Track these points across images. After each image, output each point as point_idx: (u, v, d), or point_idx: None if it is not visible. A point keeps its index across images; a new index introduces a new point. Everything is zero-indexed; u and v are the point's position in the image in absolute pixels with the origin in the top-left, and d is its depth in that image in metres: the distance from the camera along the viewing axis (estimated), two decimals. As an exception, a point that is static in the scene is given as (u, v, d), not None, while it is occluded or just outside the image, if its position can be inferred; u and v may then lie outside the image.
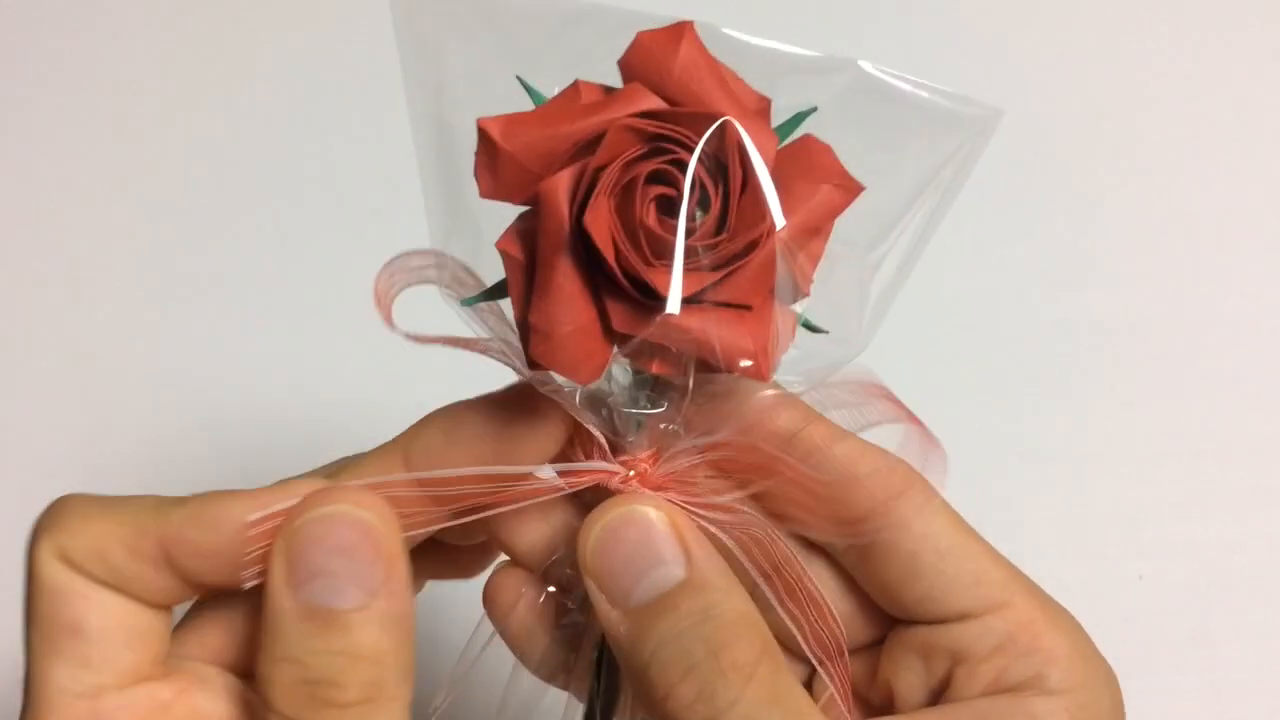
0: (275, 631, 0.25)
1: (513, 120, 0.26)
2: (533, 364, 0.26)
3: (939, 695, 0.30)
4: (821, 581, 0.30)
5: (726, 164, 0.25)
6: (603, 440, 0.28)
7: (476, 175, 0.26)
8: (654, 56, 0.26)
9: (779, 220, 0.25)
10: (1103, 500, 0.49)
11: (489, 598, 0.31)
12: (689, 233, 0.25)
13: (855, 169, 0.27)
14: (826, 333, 0.28)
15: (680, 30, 0.26)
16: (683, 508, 0.28)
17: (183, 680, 0.27)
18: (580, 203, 0.25)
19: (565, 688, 0.31)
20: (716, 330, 0.25)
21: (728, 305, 0.26)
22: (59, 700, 0.26)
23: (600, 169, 0.25)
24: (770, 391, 0.29)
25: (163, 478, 0.46)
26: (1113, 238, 0.54)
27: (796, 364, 0.28)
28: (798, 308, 0.27)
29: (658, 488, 0.28)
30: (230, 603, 0.28)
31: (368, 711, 0.25)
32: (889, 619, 0.31)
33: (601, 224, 0.25)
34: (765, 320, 0.26)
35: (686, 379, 0.26)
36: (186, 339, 0.50)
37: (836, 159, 0.26)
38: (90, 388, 0.49)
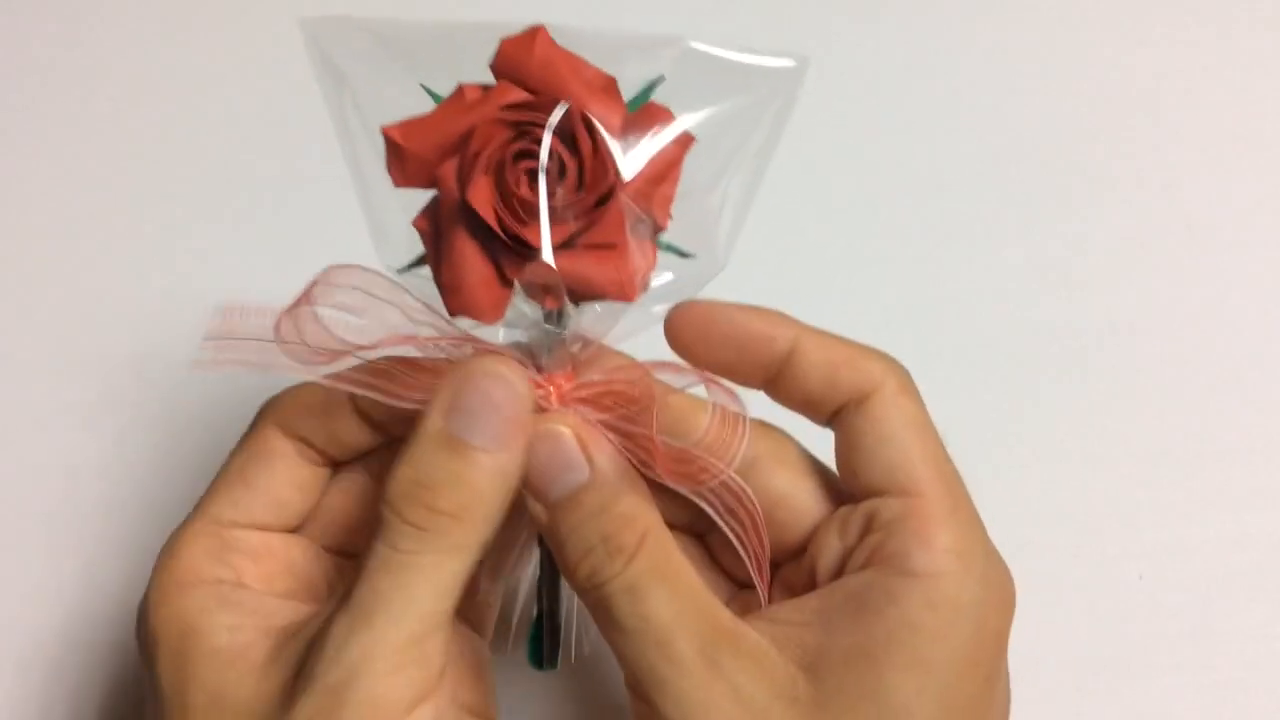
0: (417, 440, 0.32)
1: (409, 124, 0.33)
2: (451, 313, 0.33)
3: (841, 572, 0.33)
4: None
5: (575, 135, 0.32)
6: (528, 364, 0.34)
7: (388, 171, 0.33)
8: (515, 57, 0.32)
9: (624, 174, 0.32)
10: (1103, 500, 0.48)
11: None
12: (553, 194, 0.32)
13: (691, 123, 0.33)
14: (694, 256, 0.34)
15: (533, 33, 0.32)
16: (590, 422, 0.34)
17: (292, 540, 0.36)
18: (465, 182, 0.32)
19: None
20: (586, 268, 0.32)
21: (595, 246, 0.32)
22: (199, 518, 0.34)
23: (477, 154, 0.32)
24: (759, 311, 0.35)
25: (160, 475, 0.50)
26: (1112, 237, 0.54)
27: (672, 286, 0.35)
28: (662, 240, 0.34)
29: (570, 403, 0.34)
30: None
31: (450, 525, 0.31)
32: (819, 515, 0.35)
33: (482, 197, 0.31)
34: (626, 255, 0.33)
35: (569, 306, 0.33)
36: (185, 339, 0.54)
37: (671, 117, 0.33)
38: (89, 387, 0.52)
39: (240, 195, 0.56)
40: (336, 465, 0.37)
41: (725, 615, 0.32)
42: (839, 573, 0.34)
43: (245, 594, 0.34)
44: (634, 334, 0.35)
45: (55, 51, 0.58)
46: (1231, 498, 0.49)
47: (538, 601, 0.37)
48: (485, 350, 0.33)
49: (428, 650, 0.31)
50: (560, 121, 0.32)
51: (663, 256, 0.34)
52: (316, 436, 0.35)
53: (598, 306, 0.34)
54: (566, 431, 0.33)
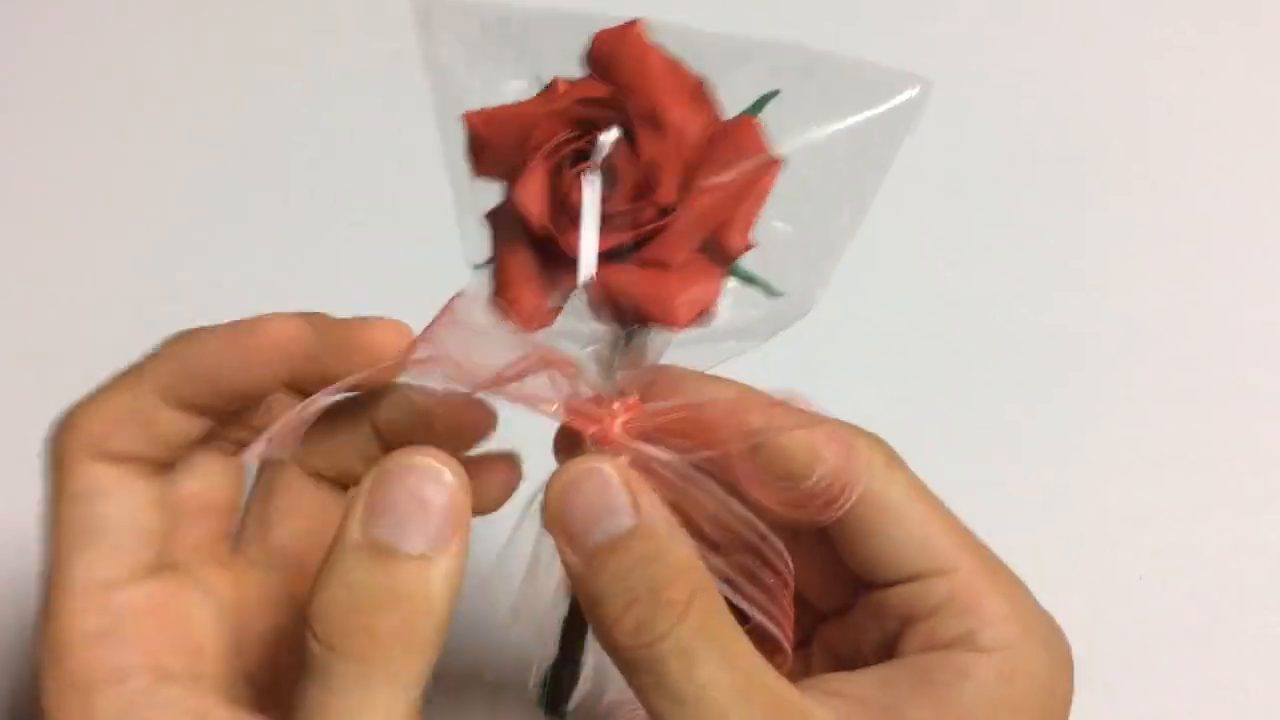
0: (337, 559, 0.27)
1: (493, 113, 0.31)
2: (500, 317, 0.31)
3: (891, 652, 0.31)
4: (792, 549, 0.32)
5: (638, 138, 0.29)
6: (582, 386, 0.32)
7: (468, 158, 0.31)
8: (606, 51, 0.30)
9: (692, 187, 0.28)
10: (1103, 501, 0.48)
11: None
12: (605, 199, 0.29)
13: (793, 142, 0.29)
14: (782, 294, 0.30)
15: (628, 27, 0.30)
16: (638, 466, 0.31)
17: (175, 588, 0.31)
18: (516, 178, 0.30)
19: None
20: (630, 284, 0.29)
21: (647, 262, 0.29)
22: (67, 589, 0.29)
23: (536, 148, 0.29)
24: (732, 385, 0.32)
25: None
26: (1113, 239, 0.53)
27: (750, 323, 0.31)
28: (742, 269, 0.30)
29: (632, 433, 0.31)
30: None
31: (394, 647, 0.27)
32: (858, 585, 0.33)
33: (529, 194, 0.29)
34: (685, 278, 0.29)
35: (626, 329, 0.30)
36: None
37: (759, 134, 0.29)
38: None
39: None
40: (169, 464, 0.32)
41: (787, 689, 0.29)
42: (886, 656, 0.32)
43: (160, 700, 0.29)
44: (700, 369, 0.31)
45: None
46: (1232, 499, 0.49)
47: (559, 645, 0.34)
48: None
49: None
50: (628, 122, 0.29)
51: (745, 291, 0.30)
52: (140, 446, 0.31)
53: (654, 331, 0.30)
54: (611, 471, 0.30)
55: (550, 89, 0.31)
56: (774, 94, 0.30)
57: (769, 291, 0.30)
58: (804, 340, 0.48)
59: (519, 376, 0.31)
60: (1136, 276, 0.53)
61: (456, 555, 0.28)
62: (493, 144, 0.31)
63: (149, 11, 0.62)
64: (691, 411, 0.31)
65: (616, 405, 0.32)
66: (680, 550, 0.29)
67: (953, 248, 0.53)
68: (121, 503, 0.30)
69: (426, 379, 0.31)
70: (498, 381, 0.30)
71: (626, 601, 0.28)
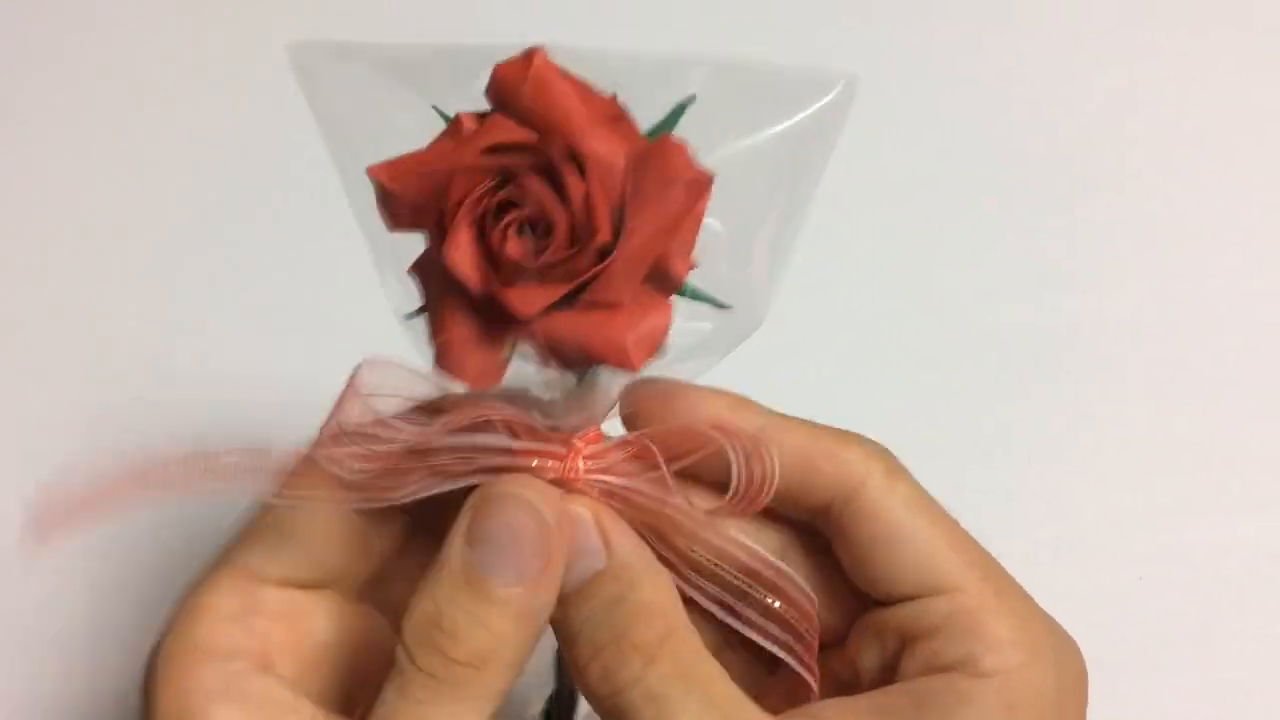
0: (437, 570, 0.28)
1: (397, 164, 0.29)
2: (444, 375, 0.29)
3: (892, 675, 0.31)
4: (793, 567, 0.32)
5: (565, 181, 0.27)
6: (538, 425, 0.31)
7: (380, 214, 0.30)
8: (509, 84, 0.28)
9: (627, 222, 0.27)
10: (1102, 502, 0.48)
11: None
12: (542, 250, 0.27)
13: (720, 154, 0.28)
14: (730, 307, 0.30)
15: (529, 57, 0.28)
16: (612, 498, 0.30)
17: (319, 599, 0.32)
18: (444, 238, 0.28)
19: None
20: (582, 332, 0.28)
21: (595, 305, 0.28)
22: (228, 568, 0.31)
23: (458, 204, 0.28)
24: (723, 397, 0.31)
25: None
26: (1110, 239, 0.53)
27: (706, 341, 0.30)
28: (690, 289, 0.29)
29: (583, 479, 0.30)
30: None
31: (467, 675, 0.28)
32: (859, 605, 0.32)
33: (461, 255, 0.28)
34: (635, 314, 0.28)
35: (578, 372, 0.29)
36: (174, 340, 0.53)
37: (685, 155, 0.28)
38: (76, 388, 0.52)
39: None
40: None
41: None
42: (886, 679, 0.30)
43: (255, 685, 0.30)
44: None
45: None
46: (1231, 500, 0.49)
47: (554, 675, 0.34)
48: (507, 464, 0.30)
49: None
50: (550, 164, 0.27)
51: (695, 307, 0.30)
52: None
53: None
54: (583, 512, 0.29)
55: (455, 128, 0.29)
56: (690, 100, 0.29)
57: (717, 305, 0.30)
58: (797, 343, 0.49)
59: (468, 430, 0.30)
60: (1137, 275, 0.53)
61: (545, 590, 0.29)
62: (404, 197, 0.29)
63: (150, 12, 0.60)
64: (657, 436, 0.31)
65: (577, 442, 0.31)
66: (649, 591, 0.29)
67: (944, 249, 0.53)
68: (323, 516, 0.31)
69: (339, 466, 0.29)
70: (433, 451, 0.29)
71: (595, 648, 0.28)
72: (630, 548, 0.30)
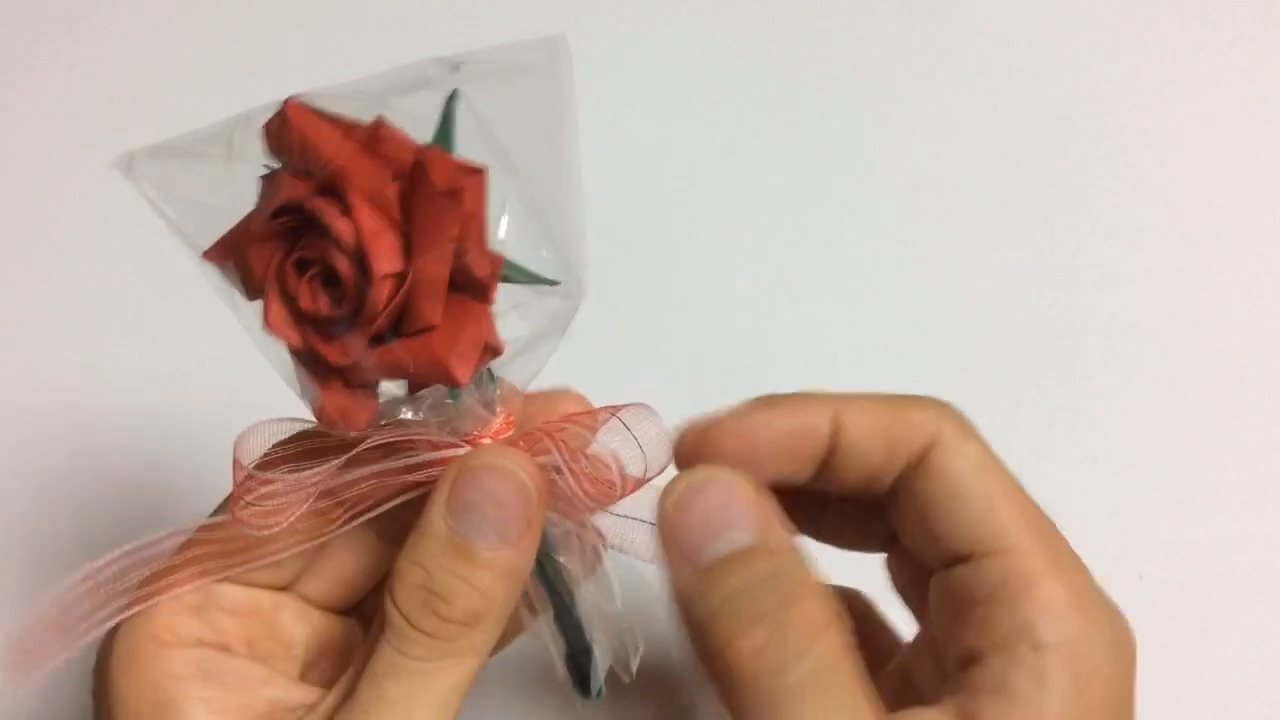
0: (420, 539, 0.30)
1: (223, 244, 0.30)
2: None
3: (951, 645, 0.30)
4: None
5: (332, 227, 0.27)
6: (439, 434, 0.32)
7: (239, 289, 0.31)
8: (278, 139, 0.29)
9: (414, 245, 0.27)
10: (1103, 500, 0.48)
11: None
12: (341, 302, 0.28)
13: (484, 146, 0.27)
14: (557, 283, 0.29)
15: (283, 109, 0.28)
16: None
17: (281, 599, 0.33)
18: (264, 309, 0.29)
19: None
20: (407, 361, 0.28)
21: (415, 333, 0.28)
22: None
23: (262, 276, 0.29)
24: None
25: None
26: (1112, 237, 0.53)
27: (553, 319, 0.30)
28: (513, 272, 0.29)
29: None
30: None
31: (461, 632, 0.30)
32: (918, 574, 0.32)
33: (276, 321, 0.29)
34: (449, 331, 0.28)
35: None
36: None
37: (443, 160, 0.27)
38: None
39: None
40: None
41: None
42: (941, 651, 0.31)
43: (228, 663, 0.32)
44: (533, 379, 0.31)
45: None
46: (1232, 498, 0.48)
47: (563, 638, 0.35)
48: (427, 477, 0.31)
49: None
50: (315, 214, 0.28)
51: (520, 293, 0.29)
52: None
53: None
54: (735, 479, 0.28)
55: (261, 193, 0.30)
56: (454, 97, 0.28)
57: (545, 283, 0.29)
58: (797, 340, 0.51)
59: (377, 457, 0.31)
60: (1136, 275, 0.52)
61: (526, 552, 0.30)
62: (239, 271, 0.30)
63: (150, 12, 0.61)
64: (546, 428, 0.31)
65: (485, 440, 0.32)
66: (805, 571, 0.28)
67: (949, 246, 0.53)
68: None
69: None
70: (347, 485, 0.31)
71: (754, 616, 0.27)
72: (781, 526, 0.28)
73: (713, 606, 0.27)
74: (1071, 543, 0.30)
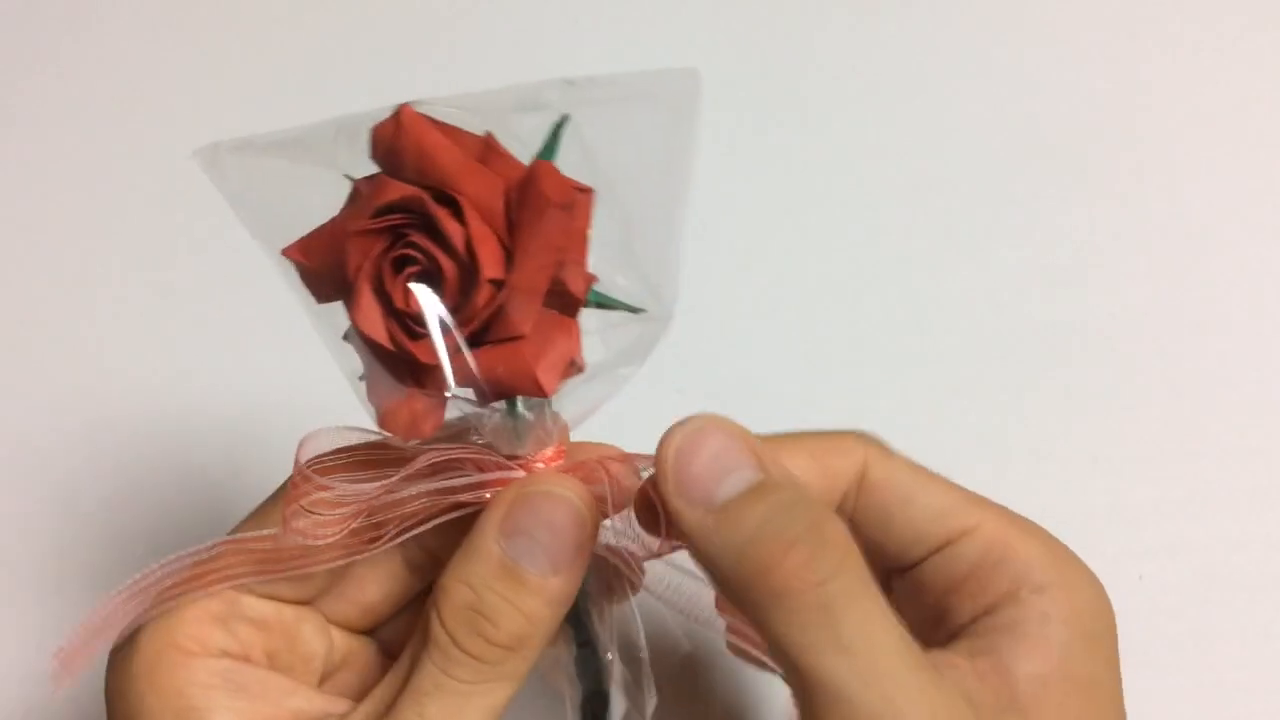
0: (469, 559, 0.30)
1: (308, 240, 0.31)
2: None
3: (940, 628, 0.32)
4: None
5: (444, 229, 0.28)
6: (497, 455, 0.32)
7: (308, 290, 0.31)
8: (386, 144, 0.29)
9: (514, 254, 0.28)
10: (1103, 500, 0.48)
11: None
12: (441, 299, 0.28)
13: (596, 168, 0.29)
14: (643, 311, 0.30)
15: (397, 114, 0.29)
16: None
17: (304, 614, 0.33)
18: (351, 304, 0.29)
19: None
20: (495, 367, 0.29)
21: (502, 341, 0.29)
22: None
23: (358, 270, 0.29)
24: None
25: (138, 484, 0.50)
26: (1112, 238, 0.53)
27: (630, 346, 0.30)
28: (597, 297, 0.30)
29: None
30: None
31: (505, 656, 0.30)
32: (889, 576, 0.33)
33: (367, 318, 0.29)
34: (540, 342, 0.29)
35: (509, 402, 0.30)
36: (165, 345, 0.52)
37: (555, 177, 0.28)
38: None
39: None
40: None
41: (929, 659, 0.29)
42: (930, 636, 0.31)
43: (252, 675, 0.31)
44: (605, 402, 0.31)
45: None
46: (1232, 498, 0.48)
47: (580, 682, 0.35)
48: (478, 497, 0.31)
49: None
50: (431, 213, 0.28)
51: (608, 317, 0.30)
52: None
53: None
54: (731, 427, 0.29)
55: (354, 195, 0.30)
56: (564, 120, 0.29)
57: (629, 310, 0.30)
58: (796, 340, 0.50)
59: (432, 474, 0.31)
60: (1136, 275, 0.52)
61: (573, 581, 0.31)
62: (319, 272, 0.31)
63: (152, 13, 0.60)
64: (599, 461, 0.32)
65: (539, 465, 0.32)
66: (815, 498, 0.29)
67: (943, 244, 0.53)
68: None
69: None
70: (401, 501, 0.30)
71: (788, 540, 0.27)
72: (776, 461, 0.29)
73: (746, 535, 0.28)
74: (1071, 543, 0.32)
